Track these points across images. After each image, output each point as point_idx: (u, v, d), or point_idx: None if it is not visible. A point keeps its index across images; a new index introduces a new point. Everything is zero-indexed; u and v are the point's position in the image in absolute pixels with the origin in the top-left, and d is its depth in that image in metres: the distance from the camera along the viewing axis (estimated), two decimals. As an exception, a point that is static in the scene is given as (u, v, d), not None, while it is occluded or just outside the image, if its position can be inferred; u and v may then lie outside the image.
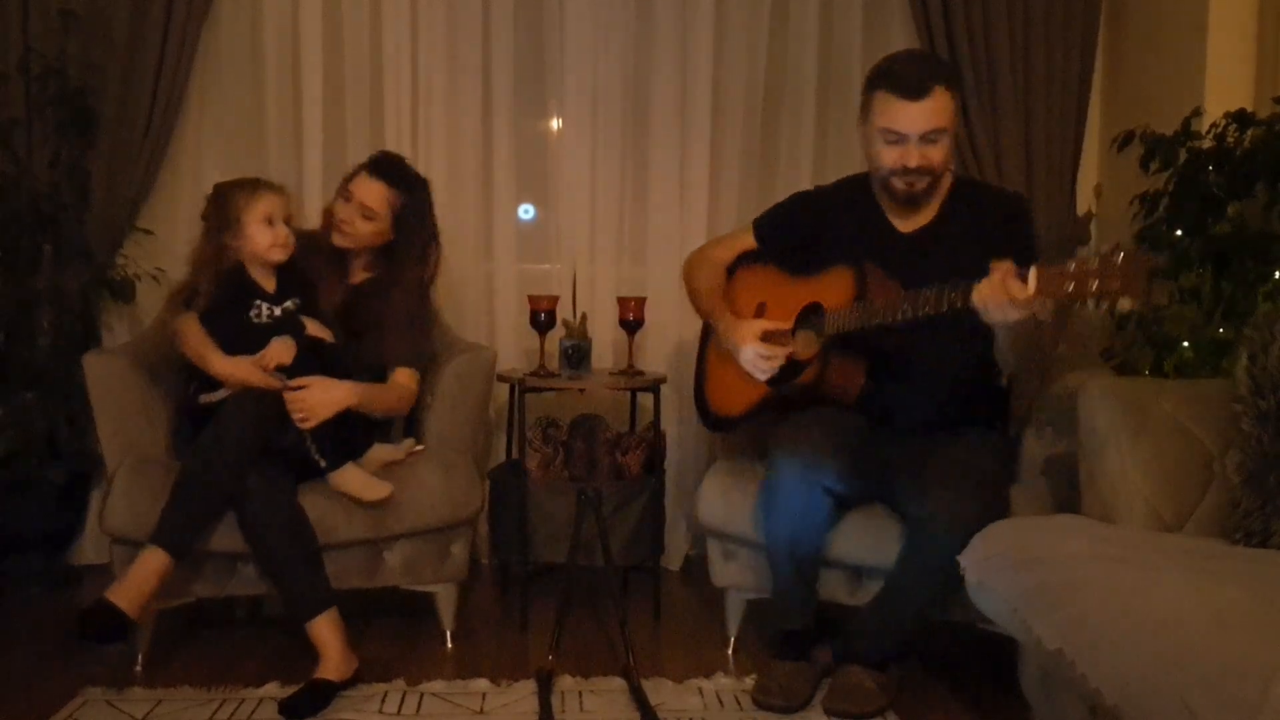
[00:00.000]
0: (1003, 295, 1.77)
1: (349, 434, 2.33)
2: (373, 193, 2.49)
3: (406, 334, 2.47)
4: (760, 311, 2.33)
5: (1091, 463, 1.96)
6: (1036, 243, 2.20)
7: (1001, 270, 1.79)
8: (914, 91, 2.06)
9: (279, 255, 2.31)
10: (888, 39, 3.24)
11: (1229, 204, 2.53)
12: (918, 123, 2.07)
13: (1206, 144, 2.59)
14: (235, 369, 2.22)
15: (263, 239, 2.27)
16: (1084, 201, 3.23)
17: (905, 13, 3.16)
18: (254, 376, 2.21)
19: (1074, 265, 1.68)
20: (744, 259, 2.46)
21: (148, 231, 3.02)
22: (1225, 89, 2.71)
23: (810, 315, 2.23)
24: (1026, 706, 1.87)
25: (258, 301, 2.30)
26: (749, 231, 2.47)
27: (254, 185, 2.32)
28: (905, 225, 2.25)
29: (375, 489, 2.27)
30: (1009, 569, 1.66)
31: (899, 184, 2.15)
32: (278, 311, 2.31)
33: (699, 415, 2.58)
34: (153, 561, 2.04)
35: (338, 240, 2.52)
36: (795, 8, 3.21)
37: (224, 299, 2.27)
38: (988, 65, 3.08)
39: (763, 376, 2.23)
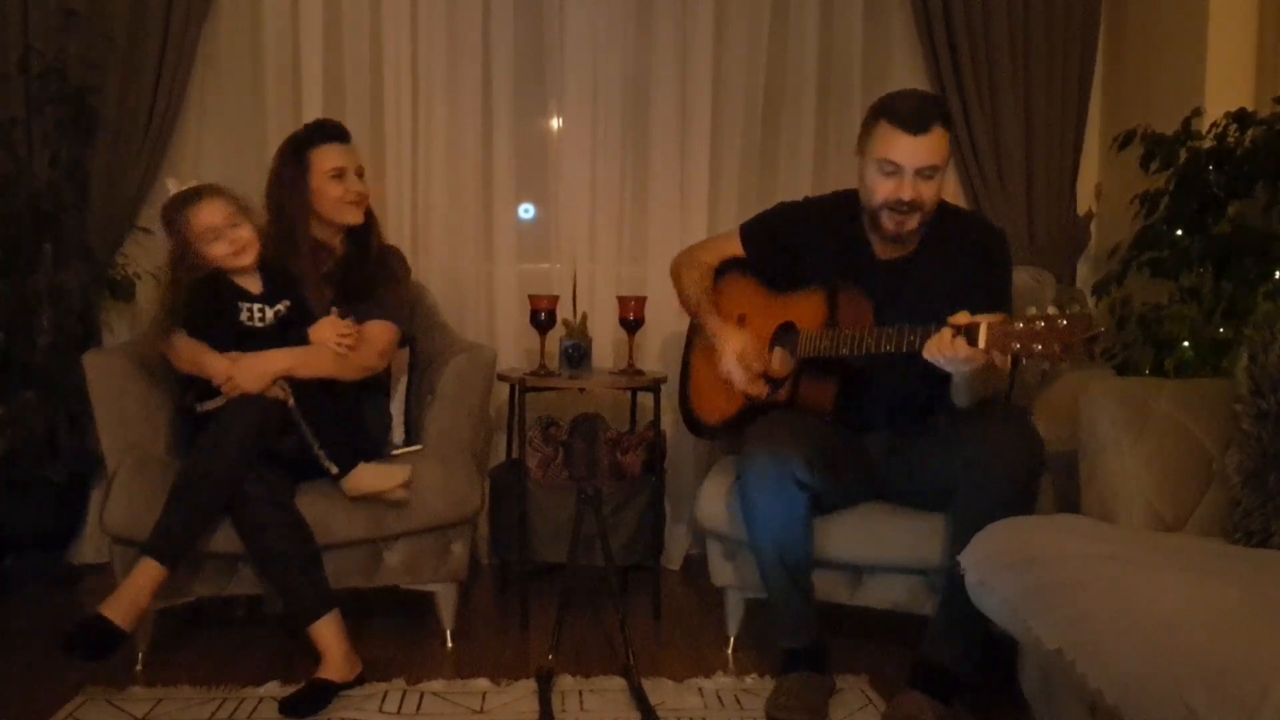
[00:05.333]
0: (950, 352, 1.83)
1: (353, 432, 2.32)
2: (355, 154, 2.50)
3: (378, 291, 2.44)
4: (741, 323, 2.35)
5: (1091, 463, 1.96)
6: (1009, 283, 2.23)
7: (950, 330, 1.83)
8: (915, 126, 2.08)
9: (232, 255, 2.25)
10: (888, 39, 3.25)
11: (1229, 204, 2.54)
12: (916, 156, 2.09)
13: (1207, 144, 2.60)
14: (232, 368, 2.19)
15: (219, 249, 2.23)
16: (1084, 201, 3.23)
17: (905, 13, 3.17)
18: (252, 382, 2.19)
19: (1021, 325, 1.74)
20: (729, 266, 2.46)
21: (148, 231, 3.02)
22: (1225, 89, 2.72)
23: (785, 333, 2.27)
24: (1026, 706, 1.87)
25: (245, 305, 2.27)
26: (736, 236, 2.47)
27: (195, 195, 2.27)
28: (885, 253, 2.25)
29: (394, 474, 2.24)
30: (1009, 568, 1.66)
31: (888, 222, 2.15)
32: (270, 314, 2.28)
33: (683, 418, 2.59)
34: (146, 575, 2.02)
35: (355, 217, 2.47)
36: (795, 8, 3.21)
37: (206, 308, 2.23)
38: (988, 65, 3.08)
39: (740, 385, 2.26)
